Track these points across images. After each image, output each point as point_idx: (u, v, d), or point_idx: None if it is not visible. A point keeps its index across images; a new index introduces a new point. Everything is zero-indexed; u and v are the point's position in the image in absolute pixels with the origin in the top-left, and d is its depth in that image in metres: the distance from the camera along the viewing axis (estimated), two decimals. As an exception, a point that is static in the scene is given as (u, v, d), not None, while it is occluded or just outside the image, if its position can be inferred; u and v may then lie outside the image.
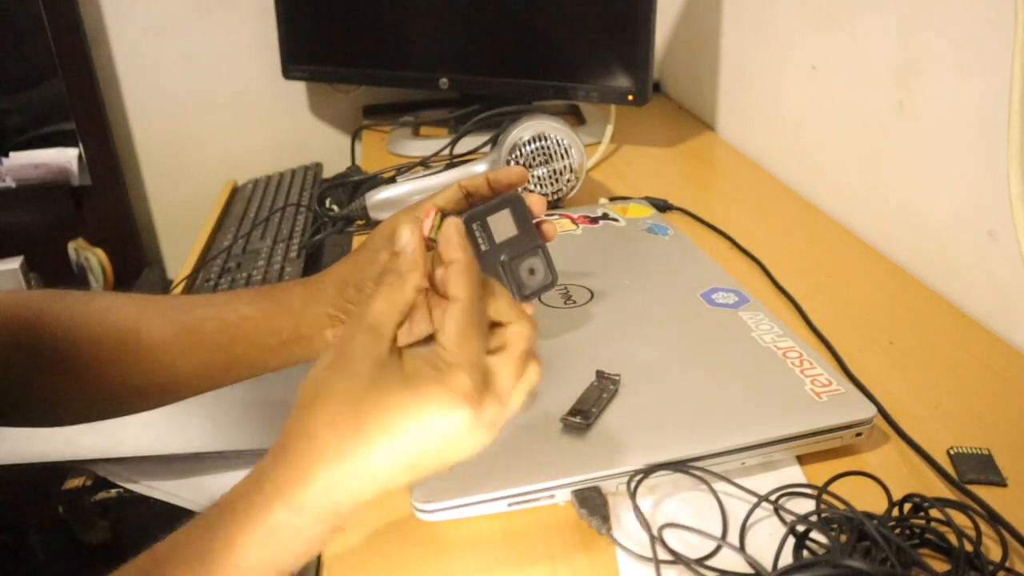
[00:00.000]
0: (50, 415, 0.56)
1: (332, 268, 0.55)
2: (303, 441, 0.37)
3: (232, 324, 0.52)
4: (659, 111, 1.34)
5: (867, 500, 0.49)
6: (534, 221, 0.52)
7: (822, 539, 0.47)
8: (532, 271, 0.52)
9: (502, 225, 0.50)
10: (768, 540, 0.48)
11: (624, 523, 0.50)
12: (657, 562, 0.46)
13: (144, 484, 0.79)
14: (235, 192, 1.32)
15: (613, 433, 0.53)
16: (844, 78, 0.90)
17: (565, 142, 0.87)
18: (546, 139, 0.87)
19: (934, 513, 0.48)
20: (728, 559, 0.47)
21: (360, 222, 0.94)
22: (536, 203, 0.51)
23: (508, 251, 0.51)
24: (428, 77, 1.17)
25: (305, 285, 0.55)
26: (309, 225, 1.05)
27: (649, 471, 0.51)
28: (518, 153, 0.86)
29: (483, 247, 0.50)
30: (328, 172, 1.35)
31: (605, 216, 0.85)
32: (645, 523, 0.48)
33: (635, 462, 0.51)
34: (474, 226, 0.50)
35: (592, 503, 0.49)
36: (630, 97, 1.05)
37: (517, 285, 0.51)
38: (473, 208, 0.51)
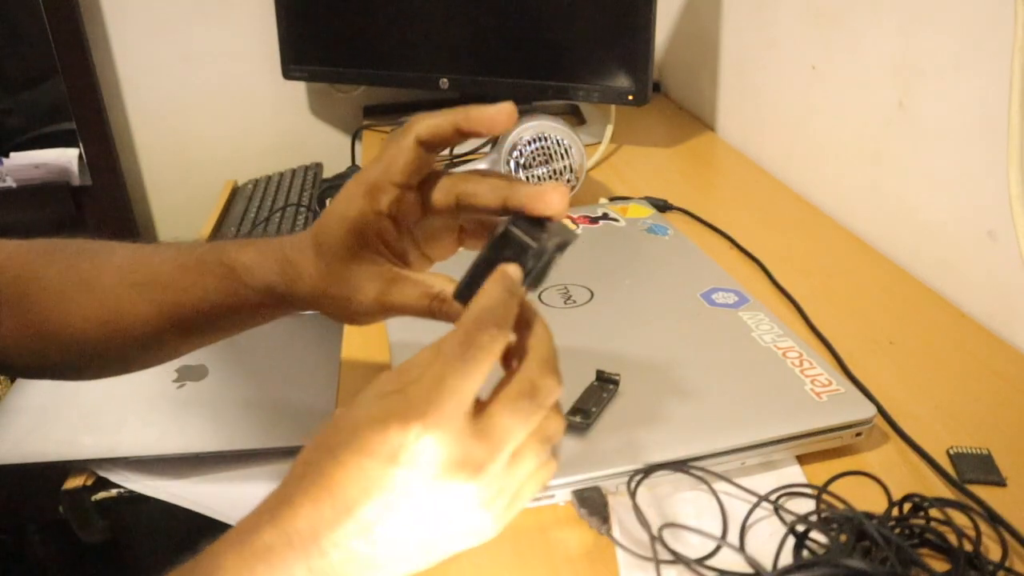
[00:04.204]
0: (59, 374, 0.57)
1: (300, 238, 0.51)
2: (297, 467, 0.37)
3: (205, 309, 0.51)
4: (659, 111, 1.34)
5: (867, 500, 0.49)
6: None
7: (822, 539, 0.47)
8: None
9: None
10: (768, 540, 0.48)
11: (624, 523, 0.50)
12: (657, 562, 0.46)
13: (144, 484, 0.79)
14: (235, 192, 1.32)
15: (613, 433, 0.53)
16: (844, 78, 0.90)
17: (565, 142, 0.87)
18: (546, 139, 0.87)
19: (934, 513, 0.48)
20: (728, 559, 0.47)
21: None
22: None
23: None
24: (428, 77, 1.17)
25: (263, 251, 0.51)
26: (309, 225, 1.05)
27: (649, 471, 0.51)
28: (518, 153, 0.86)
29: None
30: (328, 172, 1.35)
31: (605, 216, 0.85)
32: (645, 523, 0.48)
33: (635, 462, 0.51)
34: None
35: (592, 503, 0.49)
36: (630, 97, 1.05)
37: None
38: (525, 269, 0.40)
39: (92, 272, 0.53)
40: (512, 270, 0.38)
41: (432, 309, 0.46)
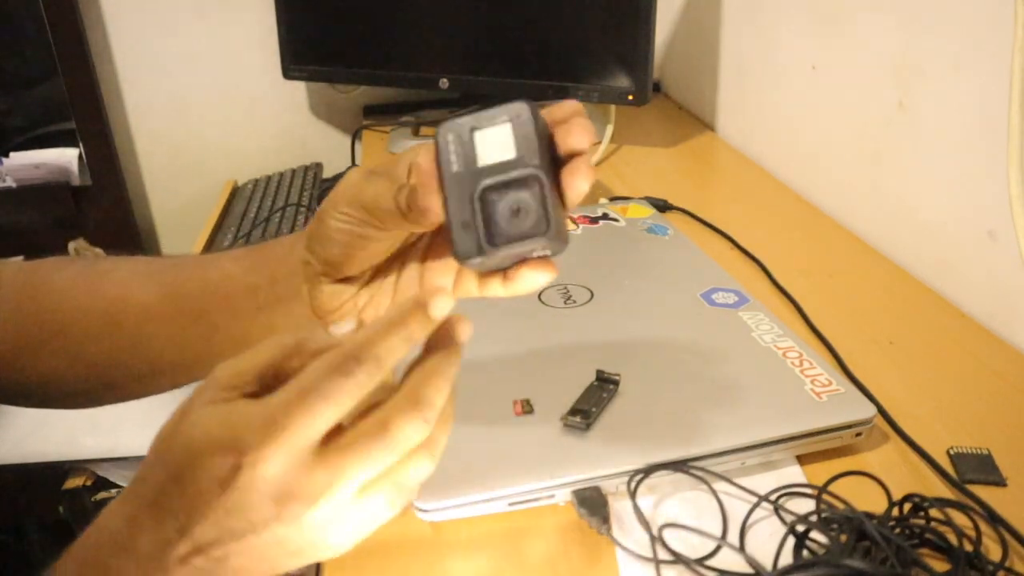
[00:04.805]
0: (46, 396, 0.55)
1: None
2: (137, 484, 0.35)
3: (212, 284, 0.50)
4: (659, 111, 1.34)
5: (867, 500, 0.49)
6: (550, 143, 0.38)
7: (822, 539, 0.47)
8: (518, 211, 0.37)
9: (494, 143, 0.37)
10: (768, 540, 0.48)
11: (624, 523, 0.50)
12: (657, 562, 0.46)
13: (144, 484, 0.79)
14: (235, 192, 1.32)
15: (613, 433, 0.53)
16: (844, 78, 0.90)
17: (565, 142, 0.87)
18: (546, 139, 0.87)
19: (934, 513, 0.48)
20: (728, 559, 0.47)
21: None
22: (567, 114, 0.38)
23: (492, 178, 0.37)
24: (428, 77, 1.17)
25: (293, 236, 0.50)
26: (309, 224, 1.05)
27: (649, 471, 0.51)
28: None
29: (455, 166, 0.37)
30: (328, 172, 1.35)
31: (605, 216, 0.85)
32: (645, 523, 0.48)
33: (635, 462, 0.51)
34: (450, 136, 0.37)
35: (592, 503, 0.49)
36: (630, 97, 1.05)
37: (487, 227, 0.37)
38: (467, 115, 0.38)
39: (109, 267, 0.52)
40: (434, 297, 0.34)
41: (398, 197, 0.41)
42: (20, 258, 0.55)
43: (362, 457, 0.33)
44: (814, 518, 0.48)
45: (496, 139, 0.37)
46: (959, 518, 0.48)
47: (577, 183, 0.38)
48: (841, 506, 0.49)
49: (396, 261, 0.46)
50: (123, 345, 0.51)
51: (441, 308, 0.34)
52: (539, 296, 0.69)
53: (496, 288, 0.42)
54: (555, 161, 0.38)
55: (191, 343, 0.51)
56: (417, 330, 0.34)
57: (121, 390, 0.54)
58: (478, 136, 0.37)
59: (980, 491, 0.51)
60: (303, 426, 0.32)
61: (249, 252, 0.51)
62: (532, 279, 0.40)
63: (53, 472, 0.81)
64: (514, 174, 0.37)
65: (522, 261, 0.39)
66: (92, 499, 0.80)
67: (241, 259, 0.51)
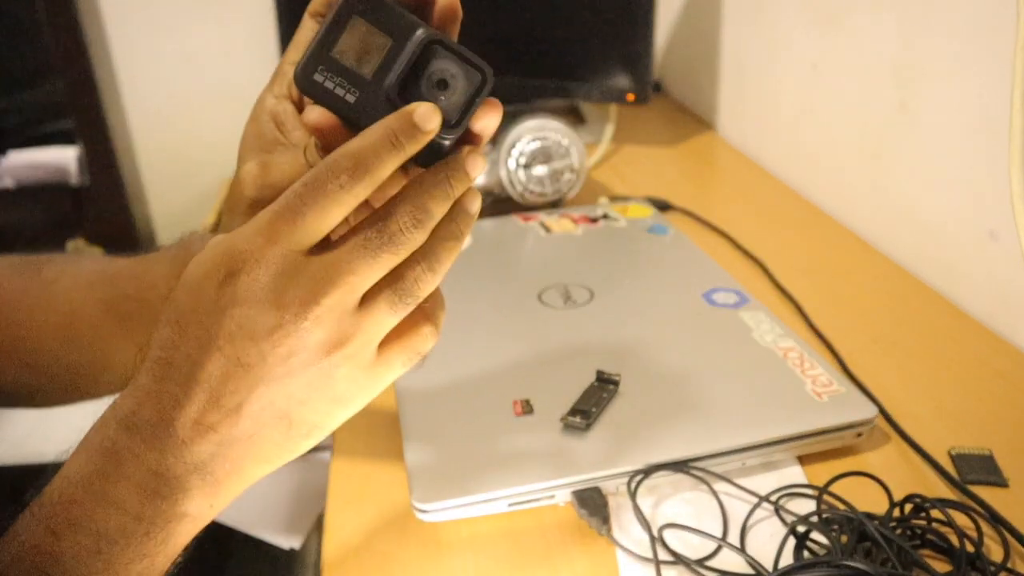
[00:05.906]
0: (10, 400, 0.54)
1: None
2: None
3: (149, 303, 0.49)
4: (659, 111, 1.34)
5: (868, 500, 0.49)
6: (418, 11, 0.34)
7: (823, 540, 0.47)
8: (444, 83, 0.33)
9: (361, 45, 0.33)
10: (769, 540, 0.48)
11: (624, 523, 0.50)
12: (657, 562, 0.46)
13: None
14: (235, 192, 1.32)
15: (613, 433, 0.53)
16: (844, 78, 0.90)
17: (565, 142, 0.87)
18: (546, 139, 0.86)
19: (935, 514, 0.48)
20: (728, 559, 0.47)
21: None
22: None
23: (390, 77, 0.33)
24: (428, 77, 1.17)
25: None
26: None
27: (649, 471, 0.51)
28: (518, 152, 0.86)
29: (349, 97, 0.33)
30: (328, 172, 1.35)
31: (605, 216, 0.85)
32: (645, 523, 0.48)
33: (635, 462, 0.51)
34: (316, 78, 0.33)
35: (592, 503, 0.49)
36: (630, 96, 1.05)
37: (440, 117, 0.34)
38: (312, 47, 0.33)
39: (52, 276, 0.52)
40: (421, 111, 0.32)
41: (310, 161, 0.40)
42: None
43: (357, 247, 0.32)
44: (815, 519, 0.48)
45: (359, 40, 0.33)
46: (960, 519, 0.48)
47: (452, 11, 0.35)
48: (842, 507, 0.49)
49: None
50: (79, 360, 0.51)
51: (428, 119, 0.32)
52: (539, 296, 0.69)
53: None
54: (417, 5, 0.35)
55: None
56: (404, 138, 0.32)
57: (90, 392, 0.54)
58: (341, 54, 0.33)
59: (981, 492, 0.51)
60: (289, 229, 0.31)
61: (175, 262, 0.49)
62: (491, 126, 0.35)
63: (53, 472, 0.80)
64: (407, 56, 0.33)
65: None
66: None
67: (168, 273, 0.49)
